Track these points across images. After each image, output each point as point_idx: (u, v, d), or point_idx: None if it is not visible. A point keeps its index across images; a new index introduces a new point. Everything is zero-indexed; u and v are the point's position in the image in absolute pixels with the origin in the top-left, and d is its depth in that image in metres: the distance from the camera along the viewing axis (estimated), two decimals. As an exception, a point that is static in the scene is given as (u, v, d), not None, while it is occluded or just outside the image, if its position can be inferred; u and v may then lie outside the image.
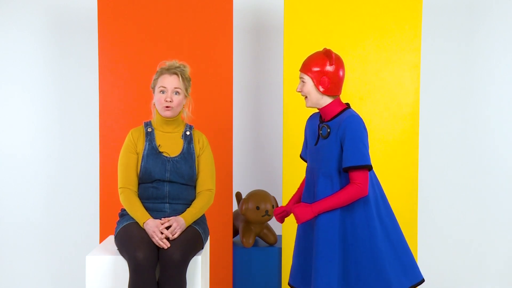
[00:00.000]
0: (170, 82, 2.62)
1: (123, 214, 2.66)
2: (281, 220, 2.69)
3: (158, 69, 2.69)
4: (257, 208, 3.41)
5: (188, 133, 2.70)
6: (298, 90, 2.50)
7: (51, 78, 4.13)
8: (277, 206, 3.54)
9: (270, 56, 4.19)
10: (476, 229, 4.22)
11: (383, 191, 2.52)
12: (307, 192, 2.54)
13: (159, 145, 2.63)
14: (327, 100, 2.46)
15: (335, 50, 3.40)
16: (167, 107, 2.61)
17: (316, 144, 2.49)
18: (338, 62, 2.46)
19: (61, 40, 4.11)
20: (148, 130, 2.67)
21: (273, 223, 3.87)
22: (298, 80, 3.39)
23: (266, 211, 3.41)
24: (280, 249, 3.48)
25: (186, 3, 3.40)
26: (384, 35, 3.41)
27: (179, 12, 3.40)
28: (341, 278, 2.40)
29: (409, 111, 3.41)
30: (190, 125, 2.75)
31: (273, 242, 3.54)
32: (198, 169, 2.69)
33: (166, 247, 2.41)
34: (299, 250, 2.59)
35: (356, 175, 2.35)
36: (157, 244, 2.43)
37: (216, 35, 3.41)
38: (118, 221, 2.65)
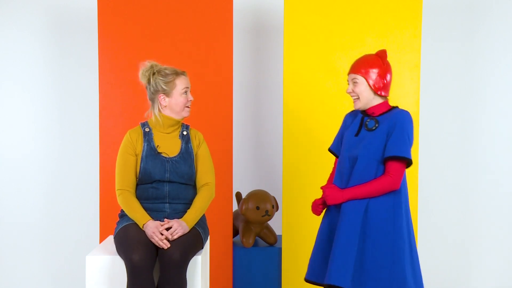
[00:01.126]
0: (188, 82, 2.66)
1: (123, 215, 2.66)
2: (319, 213, 2.62)
3: (153, 71, 2.62)
4: (257, 208, 3.41)
5: (185, 132, 2.70)
6: (349, 91, 2.52)
7: (51, 78, 4.13)
8: (277, 206, 3.54)
9: (270, 56, 4.19)
10: (476, 229, 4.22)
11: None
12: (339, 179, 2.52)
13: (158, 145, 2.63)
14: (377, 101, 2.49)
15: (335, 50, 3.41)
16: (188, 106, 2.65)
17: (357, 135, 2.50)
18: (388, 64, 2.52)
19: (61, 40, 4.11)
20: (146, 130, 2.66)
21: (273, 223, 3.87)
22: (298, 80, 3.41)
23: (266, 211, 3.41)
24: (280, 249, 3.48)
25: (186, 3, 3.40)
26: (384, 35, 3.41)
27: (179, 12, 3.40)
28: (357, 267, 2.37)
29: (409, 111, 3.40)
30: (186, 125, 2.75)
31: (273, 242, 3.54)
32: (196, 167, 2.70)
33: (166, 247, 2.40)
34: (322, 244, 2.53)
35: (392, 166, 2.37)
36: (156, 244, 2.42)
37: (216, 35, 3.41)
38: (118, 221, 2.65)
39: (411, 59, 3.41)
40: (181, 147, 2.66)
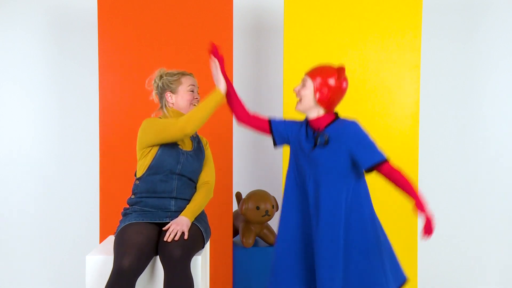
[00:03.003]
0: (195, 81, 2.72)
1: (126, 213, 2.64)
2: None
3: (161, 74, 2.71)
4: (257, 208, 3.41)
5: (194, 135, 2.78)
6: (296, 90, 2.50)
7: (51, 78, 4.13)
8: (277, 206, 3.54)
9: (270, 56, 4.19)
10: (476, 230, 4.22)
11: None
12: (302, 196, 2.48)
13: None
14: (318, 111, 2.46)
15: (335, 50, 3.42)
16: (194, 104, 2.70)
17: (312, 149, 2.45)
18: (345, 82, 2.45)
19: (61, 40, 4.11)
20: None
21: (273, 223, 3.87)
22: (298, 80, 3.40)
23: (266, 211, 3.41)
24: (280, 249, 3.47)
25: (186, 4, 3.40)
26: (384, 35, 3.41)
27: (179, 12, 3.40)
28: (343, 275, 2.39)
29: (409, 111, 3.41)
30: None
31: (273, 242, 3.54)
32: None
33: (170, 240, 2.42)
34: (294, 251, 2.52)
35: (386, 166, 2.34)
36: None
37: (216, 35, 3.41)
38: (121, 220, 2.63)
39: (411, 59, 3.41)
40: (193, 145, 2.73)
